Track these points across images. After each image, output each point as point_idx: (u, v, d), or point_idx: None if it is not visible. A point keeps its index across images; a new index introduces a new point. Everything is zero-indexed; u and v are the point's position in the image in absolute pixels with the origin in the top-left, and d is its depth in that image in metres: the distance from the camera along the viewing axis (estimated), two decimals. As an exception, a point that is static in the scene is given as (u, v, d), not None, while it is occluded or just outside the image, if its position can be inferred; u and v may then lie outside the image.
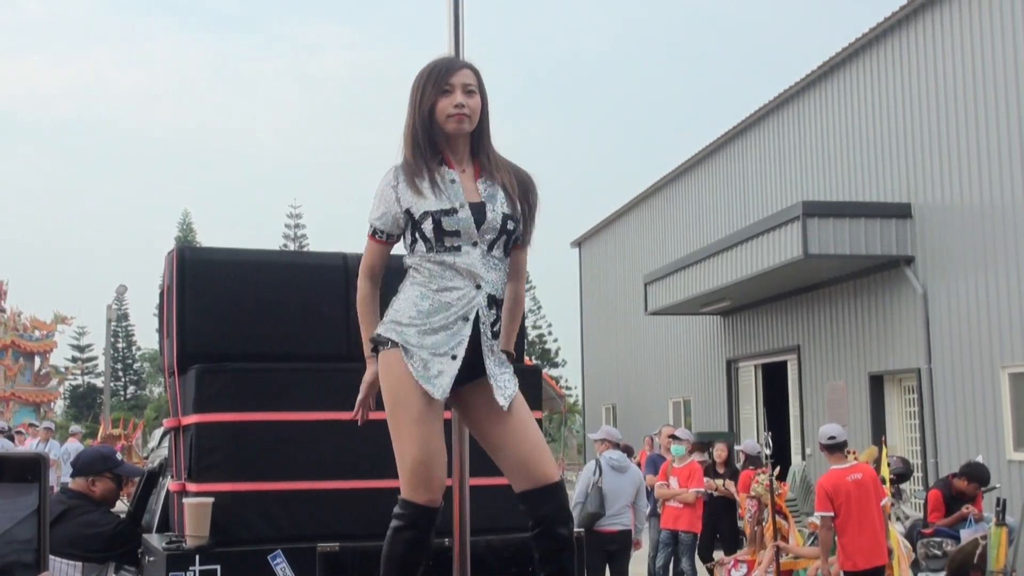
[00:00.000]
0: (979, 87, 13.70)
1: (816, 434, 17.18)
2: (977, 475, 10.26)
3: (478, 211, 3.24)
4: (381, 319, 3.32)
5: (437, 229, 3.19)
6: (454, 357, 3.17)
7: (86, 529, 4.78)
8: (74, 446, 19.85)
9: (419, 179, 3.24)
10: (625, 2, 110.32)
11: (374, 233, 3.35)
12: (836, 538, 7.82)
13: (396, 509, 3.19)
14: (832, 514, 7.67)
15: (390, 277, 3.38)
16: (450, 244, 3.20)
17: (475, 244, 3.22)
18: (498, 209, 3.26)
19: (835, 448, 7.85)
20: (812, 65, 17.83)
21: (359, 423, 3.38)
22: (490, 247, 3.25)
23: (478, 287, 3.22)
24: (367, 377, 3.35)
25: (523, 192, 3.35)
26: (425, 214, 3.21)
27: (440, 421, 3.19)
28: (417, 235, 3.24)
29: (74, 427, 23.08)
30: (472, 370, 3.22)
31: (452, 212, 3.20)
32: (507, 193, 3.31)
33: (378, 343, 3.26)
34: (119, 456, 5.54)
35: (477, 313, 3.21)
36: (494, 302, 3.28)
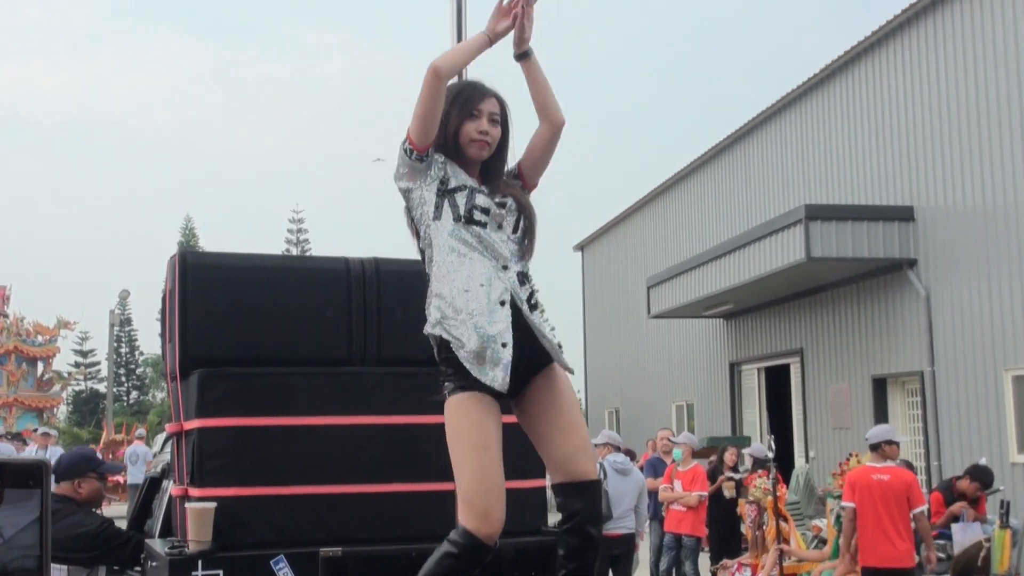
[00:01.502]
0: (981, 90, 13.70)
1: (819, 437, 17.33)
2: (981, 476, 10.28)
3: (499, 202, 3.36)
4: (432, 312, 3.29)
5: (469, 201, 3.28)
6: (504, 345, 3.20)
7: (70, 531, 4.77)
8: (142, 449, 20.24)
9: (460, 164, 3.37)
10: (627, 7, 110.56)
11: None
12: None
13: (453, 534, 3.13)
14: (852, 505, 7.87)
15: (390, 278, 3.36)
16: (479, 219, 3.29)
17: (500, 227, 3.33)
18: (511, 204, 3.39)
19: (871, 448, 8.11)
20: (815, 68, 17.88)
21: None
22: (514, 229, 3.36)
23: (505, 268, 3.29)
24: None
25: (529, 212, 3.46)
26: (463, 186, 3.32)
27: (500, 452, 3.16)
28: (447, 204, 3.29)
29: (140, 431, 23.85)
30: (532, 360, 3.27)
31: (484, 193, 3.33)
32: (517, 202, 3.42)
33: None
34: (100, 456, 5.60)
35: (512, 296, 3.27)
36: (525, 278, 3.37)
